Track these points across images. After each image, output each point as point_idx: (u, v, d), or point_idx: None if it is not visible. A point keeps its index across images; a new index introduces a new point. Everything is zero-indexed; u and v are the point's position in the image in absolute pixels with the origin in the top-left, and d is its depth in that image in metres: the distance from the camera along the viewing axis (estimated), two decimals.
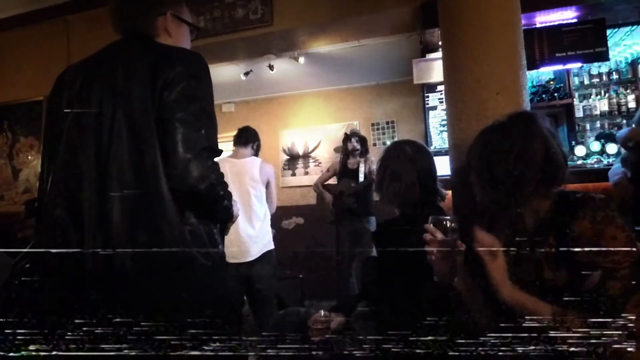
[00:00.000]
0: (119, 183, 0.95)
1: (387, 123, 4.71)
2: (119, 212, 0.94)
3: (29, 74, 3.61)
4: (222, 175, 1.04)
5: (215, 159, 1.04)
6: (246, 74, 4.08)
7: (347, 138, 3.48)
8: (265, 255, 2.53)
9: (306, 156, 4.94)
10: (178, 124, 0.95)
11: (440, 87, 3.48)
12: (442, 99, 3.50)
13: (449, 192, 1.71)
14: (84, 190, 0.96)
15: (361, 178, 3.39)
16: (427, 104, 3.56)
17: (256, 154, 2.77)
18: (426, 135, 3.54)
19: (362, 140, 3.57)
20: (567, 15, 2.99)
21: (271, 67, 3.87)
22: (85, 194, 0.96)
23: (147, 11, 1.13)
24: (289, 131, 4.97)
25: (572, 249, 0.91)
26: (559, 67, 3.20)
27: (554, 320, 0.86)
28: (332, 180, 3.77)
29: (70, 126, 1.02)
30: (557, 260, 0.93)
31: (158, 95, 0.96)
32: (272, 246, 2.59)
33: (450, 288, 0.98)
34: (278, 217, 2.87)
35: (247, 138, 2.74)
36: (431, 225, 1.02)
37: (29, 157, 3.67)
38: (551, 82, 3.52)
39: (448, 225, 1.00)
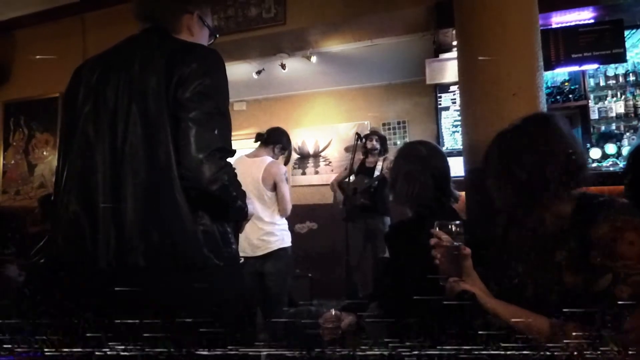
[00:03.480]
0: (133, 181, 0.94)
1: (399, 123, 4.69)
2: (132, 211, 0.93)
3: (45, 71, 3.66)
4: (235, 175, 1.03)
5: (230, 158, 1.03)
6: (258, 72, 4.10)
7: (359, 137, 3.47)
8: (276, 253, 2.47)
9: (317, 155, 4.94)
10: (191, 124, 0.94)
11: (453, 88, 3.46)
12: (454, 99, 3.48)
13: (463, 194, 1.70)
14: (98, 186, 0.96)
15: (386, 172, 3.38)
16: (440, 104, 3.54)
17: (287, 159, 2.68)
18: (438, 136, 3.52)
19: (382, 140, 3.58)
20: (584, 16, 2.95)
21: (283, 66, 3.88)
22: (99, 189, 0.95)
23: (176, 6, 1.12)
24: (300, 130, 4.97)
25: (591, 252, 0.90)
26: (575, 68, 3.16)
27: (553, 331, 0.86)
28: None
29: (86, 119, 1.01)
30: (577, 264, 0.93)
31: (173, 92, 0.95)
32: (283, 244, 2.51)
33: (464, 290, 0.97)
34: (291, 220, 2.80)
35: (267, 138, 2.61)
36: (437, 229, 1.03)
37: (44, 153, 3.74)
38: (566, 84, 3.47)
39: (453, 229, 1.02)
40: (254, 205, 2.48)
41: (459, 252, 1.00)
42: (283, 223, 2.57)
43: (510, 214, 1.14)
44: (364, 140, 3.50)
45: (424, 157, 1.48)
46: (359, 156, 3.56)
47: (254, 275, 2.48)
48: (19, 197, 3.75)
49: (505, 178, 1.03)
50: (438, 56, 3.46)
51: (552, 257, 0.98)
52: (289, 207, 2.53)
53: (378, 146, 3.51)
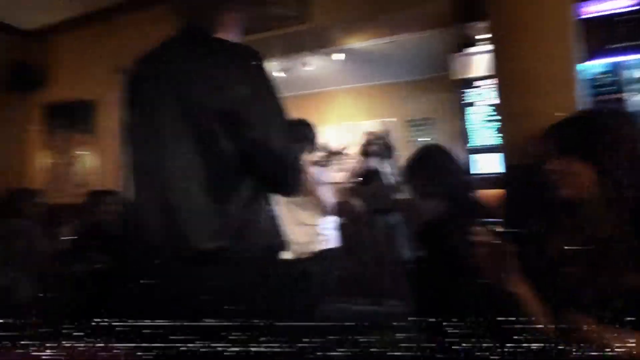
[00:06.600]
0: (182, 180, 0.96)
1: (424, 120, 4.61)
2: (186, 210, 0.95)
3: (80, 76, 3.83)
4: None
5: None
6: (281, 71, 4.13)
7: (368, 138, 3.48)
8: (321, 254, 2.42)
9: (340, 153, 4.93)
10: (280, 131, 1.01)
11: (479, 83, 3.39)
12: (480, 94, 3.40)
13: (492, 191, 1.68)
14: (156, 182, 0.99)
15: (393, 176, 3.38)
16: (466, 100, 3.46)
17: (312, 150, 2.61)
18: (464, 132, 3.45)
19: (386, 141, 3.55)
20: (621, 3, 2.80)
21: (306, 65, 3.89)
22: (159, 185, 0.99)
23: (221, 5, 1.11)
24: (324, 128, 4.97)
25: None
26: (612, 59, 3.01)
27: None
28: None
29: (140, 125, 1.04)
30: None
31: (232, 95, 0.95)
32: (328, 245, 2.41)
33: (507, 292, 0.93)
34: None
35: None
36: (478, 228, 1.01)
37: (80, 153, 3.91)
38: (602, 76, 3.32)
39: (493, 228, 1.00)
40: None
41: (502, 251, 0.96)
42: (327, 223, 2.46)
43: (560, 211, 1.07)
44: (371, 141, 3.51)
45: (443, 153, 1.55)
46: (368, 157, 3.56)
47: (299, 276, 2.45)
48: (57, 195, 3.92)
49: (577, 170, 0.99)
50: (462, 50, 3.39)
51: (614, 258, 0.91)
52: (329, 206, 2.41)
53: (383, 148, 3.49)
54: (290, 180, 1.06)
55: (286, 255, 2.65)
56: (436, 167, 1.53)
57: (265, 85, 1.01)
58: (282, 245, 1.11)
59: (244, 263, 0.97)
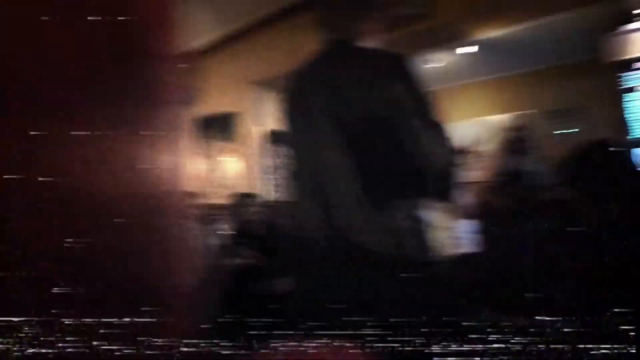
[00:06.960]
0: (339, 184, 1.04)
1: (569, 110, 4.12)
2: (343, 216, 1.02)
3: (224, 91, 4.32)
4: None
5: None
6: None
7: (511, 134, 3.25)
8: (458, 260, 2.41)
9: (473, 152, 4.67)
10: (431, 135, 1.05)
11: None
12: None
13: None
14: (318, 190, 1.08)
15: (537, 174, 3.12)
16: (624, 85, 3.03)
17: None
18: (622, 122, 3.03)
19: (524, 135, 3.28)
20: None
21: (437, 60, 3.79)
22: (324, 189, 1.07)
23: (365, 15, 1.15)
24: (458, 124, 4.74)
25: None
26: None
27: None
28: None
29: (299, 133, 1.14)
30: None
31: (383, 100, 1.00)
32: (466, 250, 2.37)
33: None
34: None
35: None
36: None
37: (222, 159, 4.42)
38: None
39: None
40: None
41: None
42: (461, 226, 2.47)
43: None
44: (509, 137, 3.26)
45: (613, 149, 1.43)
46: (508, 154, 3.31)
47: (440, 281, 2.44)
48: (207, 197, 4.46)
49: None
50: (618, 29, 2.99)
51: None
52: (467, 208, 2.39)
53: (523, 144, 3.21)
54: (444, 187, 1.06)
55: (429, 259, 2.68)
56: (606, 165, 1.41)
57: (412, 87, 1.03)
58: (430, 249, 1.12)
59: (397, 266, 1.00)
